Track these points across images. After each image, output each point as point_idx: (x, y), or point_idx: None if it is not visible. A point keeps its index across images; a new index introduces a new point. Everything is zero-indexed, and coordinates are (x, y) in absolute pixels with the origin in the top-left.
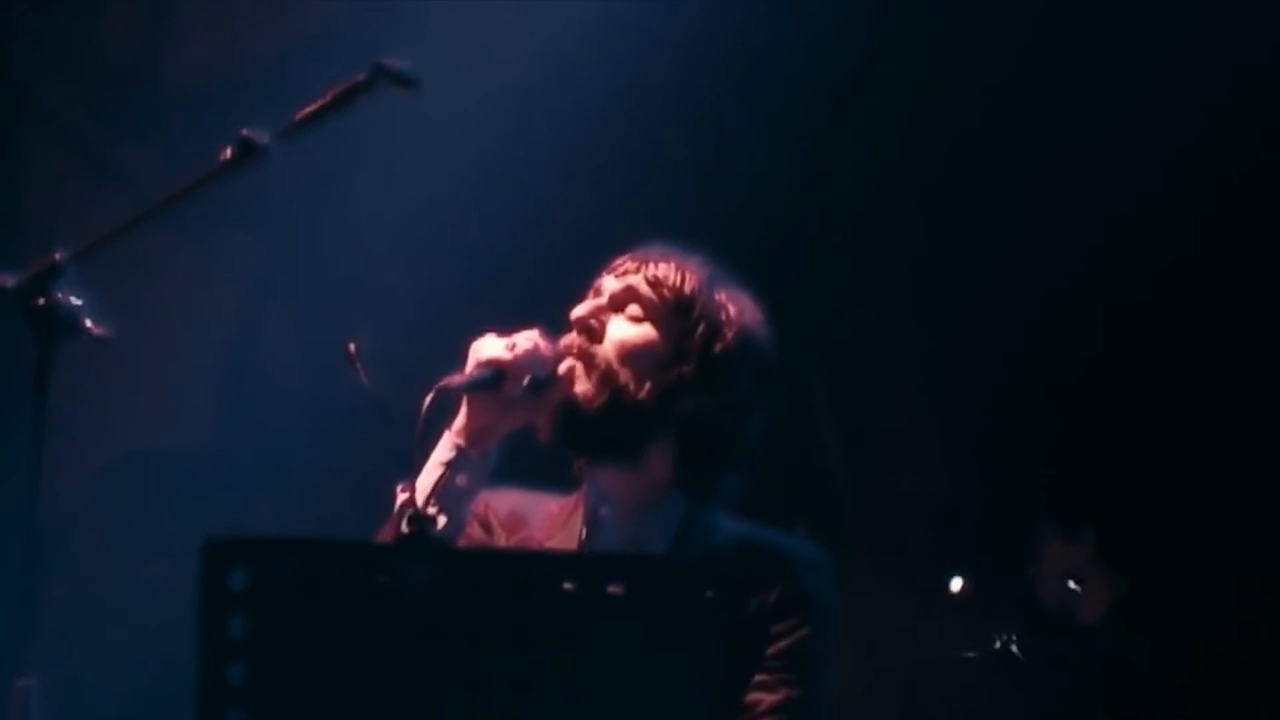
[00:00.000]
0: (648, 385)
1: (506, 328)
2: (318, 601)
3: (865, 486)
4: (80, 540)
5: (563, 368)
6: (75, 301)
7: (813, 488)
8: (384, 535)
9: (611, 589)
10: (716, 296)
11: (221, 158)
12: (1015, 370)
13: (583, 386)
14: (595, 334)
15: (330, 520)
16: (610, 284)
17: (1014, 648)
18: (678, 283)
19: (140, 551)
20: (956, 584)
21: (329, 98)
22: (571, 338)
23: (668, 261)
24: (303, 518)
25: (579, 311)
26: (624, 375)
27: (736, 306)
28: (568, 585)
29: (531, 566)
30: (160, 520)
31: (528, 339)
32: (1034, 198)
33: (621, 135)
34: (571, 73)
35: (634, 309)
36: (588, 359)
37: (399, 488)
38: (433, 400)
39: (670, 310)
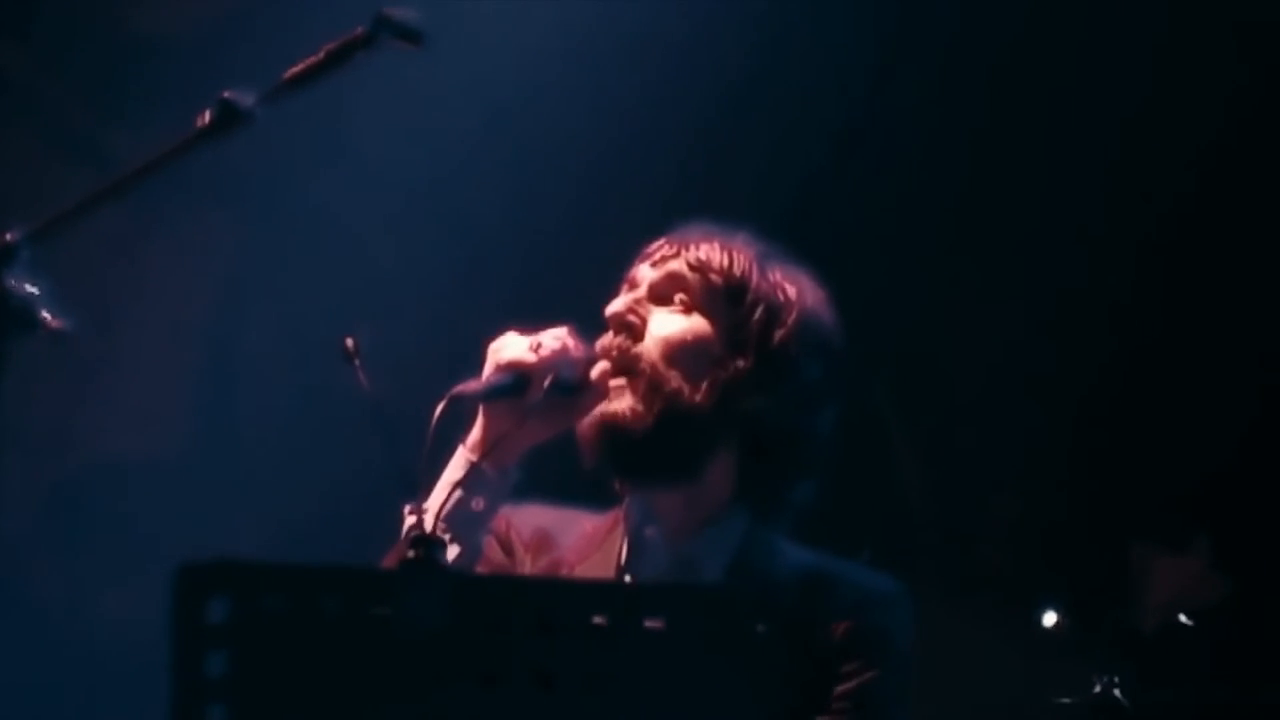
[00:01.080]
0: (703, 386)
1: (530, 325)
2: (309, 636)
3: (942, 505)
4: (34, 566)
5: (595, 372)
6: (30, 290)
7: (880, 506)
8: (387, 565)
9: (649, 623)
10: (771, 277)
11: (199, 123)
12: (1110, 371)
13: (627, 400)
14: (635, 332)
15: (324, 543)
16: (647, 273)
17: (1117, 692)
18: (725, 264)
19: (103, 578)
20: (1050, 618)
21: (323, 54)
22: (608, 339)
23: (711, 242)
24: (292, 540)
25: (614, 308)
26: (674, 378)
27: (795, 287)
28: (598, 619)
29: (556, 597)
30: (127, 542)
31: (555, 338)
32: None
33: (638, 114)
34: (583, 48)
35: (678, 299)
36: (630, 366)
37: (406, 510)
38: (445, 409)
39: (720, 297)
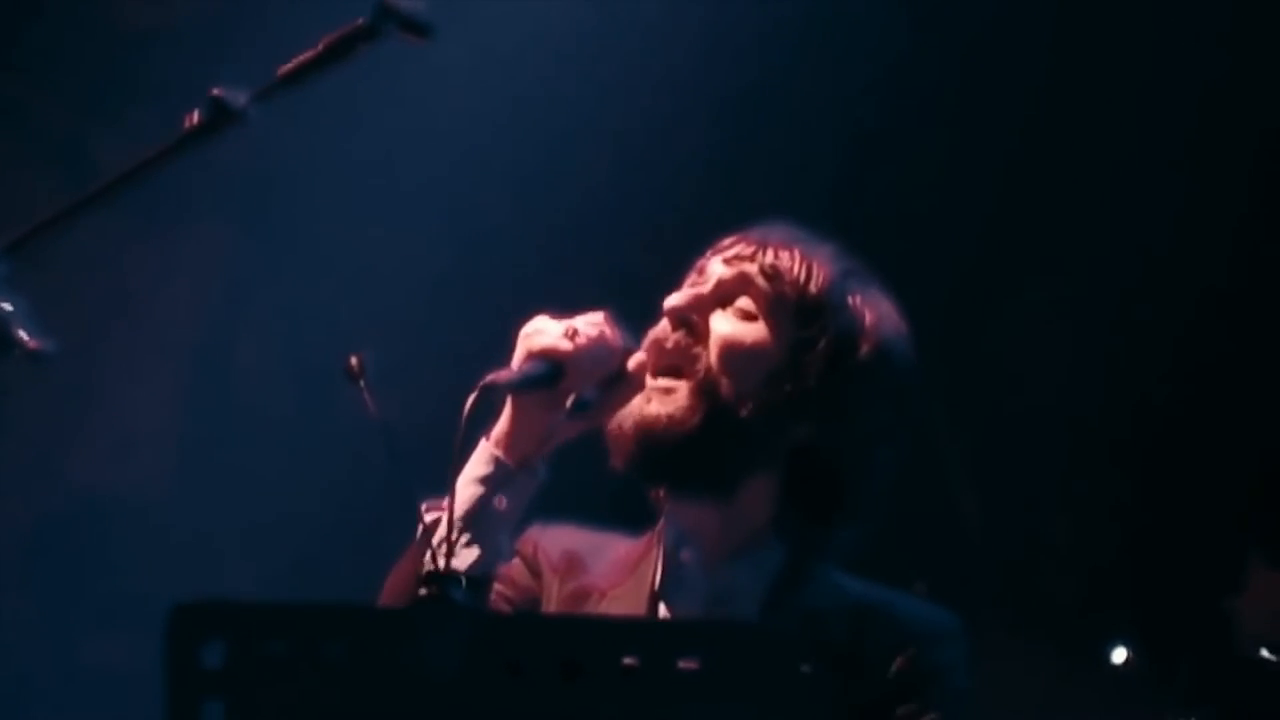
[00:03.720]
0: (751, 401)
1: (562, 311)
2: (312, 683)
3: (1002, 533)
4: (8, 608)
5: (633, 363)
6: (5, 307)
7: (935, 534)
8: (403, 568)
9: (684, 664)
10: (851, 299)
11: (187, 124)
12: (1187, 390)
13: (673, 404)
14: (696, 329)
15: (326, 580)
16: (717, 268)
17: None
18: (802, 277)
19: (89, 622)
20: (1120, 655)
21: (321, 48)
22: (665, 331)
23: (790, 249)
24: (292, 578)
25: (676, 300)
26: (725, 385)
27: (875, 313)
28: (629, 660)
29: (583, 636)
30: (113, 582)
31: (591, 324)
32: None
33: (655, 116)
34: (597, 46)
35: (744, 303)
36: (687, 364)
37: (424, 507)
38: (476, 401)
39: (789, 310)
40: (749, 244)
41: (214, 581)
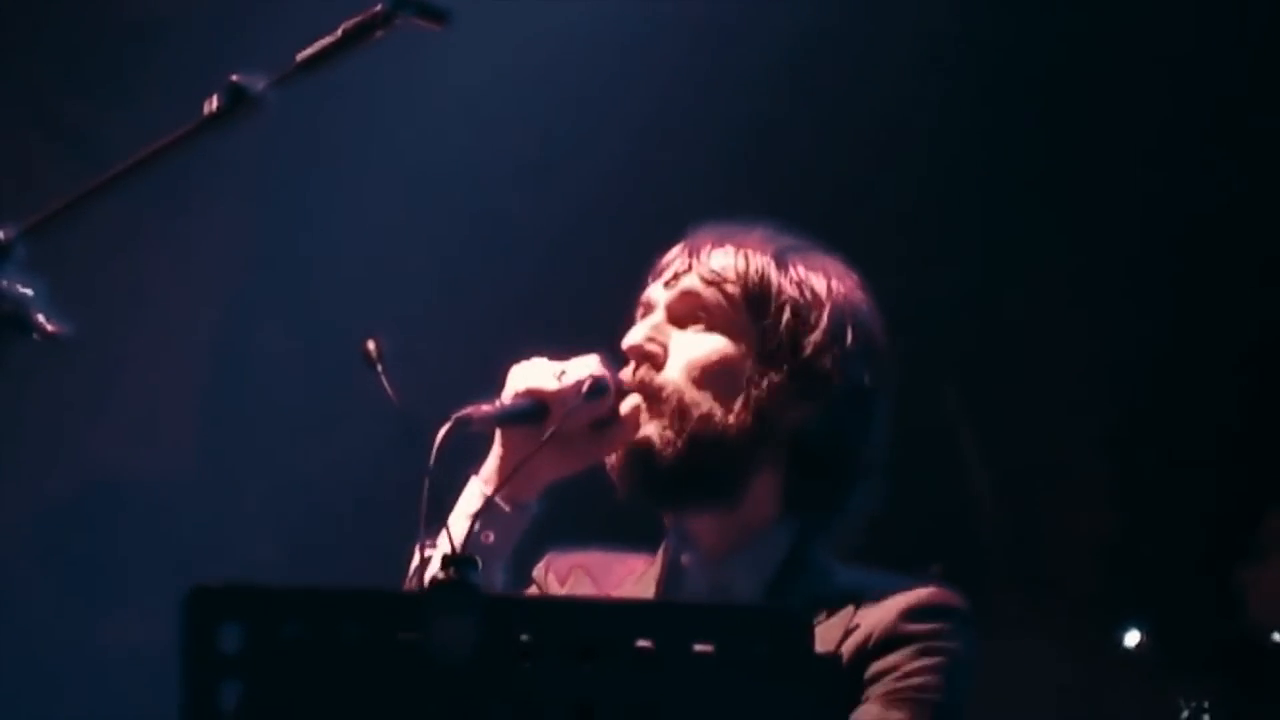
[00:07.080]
0: (736, 406)
1: (557, 347)
2: (329, 665)
3: (1017, 519)
4: (28, 590)
5: (626, 406)
6: (24, 291)
7: (950, 520)
8: None
9: (698, 646)
10: (793, 273)
11: (206, 110)
12: (1207, 371)
13: (653, 426)
14: (657, 361)
15: (344, 564)
16: (660, 294)
17: (1207, 718)
18: (741, 270)
19: (105, 604)
20: (1133, 638)
21: (339, 34)
22: (630, 372)
23: (724, 246)
24: (310, 561)
25: (632, 339)
26: (704, 401)
27: (822, 279)
28: (643, 642)
29: (598, 619)
30: (130, 566)
31: (583, 367)
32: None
33: (674, 109)
34: (617, 44)
35: (699, 318)
36: (653, 395)
37: (418, 545)
38: (448, 434)
39: (741, 309)
40: (683, 257)
41: (232, 564)
